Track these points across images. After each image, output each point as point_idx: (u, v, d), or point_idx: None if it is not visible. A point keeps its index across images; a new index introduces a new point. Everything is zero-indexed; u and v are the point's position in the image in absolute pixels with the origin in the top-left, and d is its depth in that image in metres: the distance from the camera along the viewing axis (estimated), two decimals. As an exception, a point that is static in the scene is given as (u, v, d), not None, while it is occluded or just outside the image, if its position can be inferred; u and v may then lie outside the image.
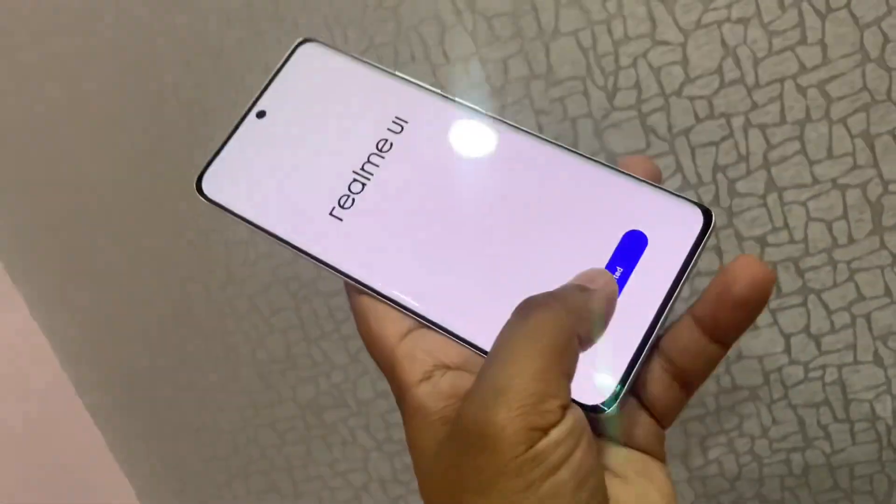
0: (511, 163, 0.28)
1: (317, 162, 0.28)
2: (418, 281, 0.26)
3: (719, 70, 0.39)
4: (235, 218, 0.28)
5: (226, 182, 0.29)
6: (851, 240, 0.40)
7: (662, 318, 0.25)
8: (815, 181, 0.40)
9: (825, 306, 0.42)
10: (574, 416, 0.21)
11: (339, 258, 0.27)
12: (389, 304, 0.26)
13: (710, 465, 0.46)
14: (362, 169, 0.28)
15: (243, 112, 0.29)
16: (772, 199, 0.40)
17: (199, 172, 0.29)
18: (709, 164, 0.40)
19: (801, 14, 0.37)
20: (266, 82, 0.30)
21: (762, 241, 0.41)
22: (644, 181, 0.27)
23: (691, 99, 0.39)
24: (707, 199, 0.41)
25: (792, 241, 0.41)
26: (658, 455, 0.27)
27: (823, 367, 0.43)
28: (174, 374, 0.52)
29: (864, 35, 0.37)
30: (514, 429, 0.20)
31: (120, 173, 0.49)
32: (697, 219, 0.26)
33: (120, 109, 0.47)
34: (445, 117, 0.28)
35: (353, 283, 0.26)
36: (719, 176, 0.40)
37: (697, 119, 0.40)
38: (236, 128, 0.29)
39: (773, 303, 0.42)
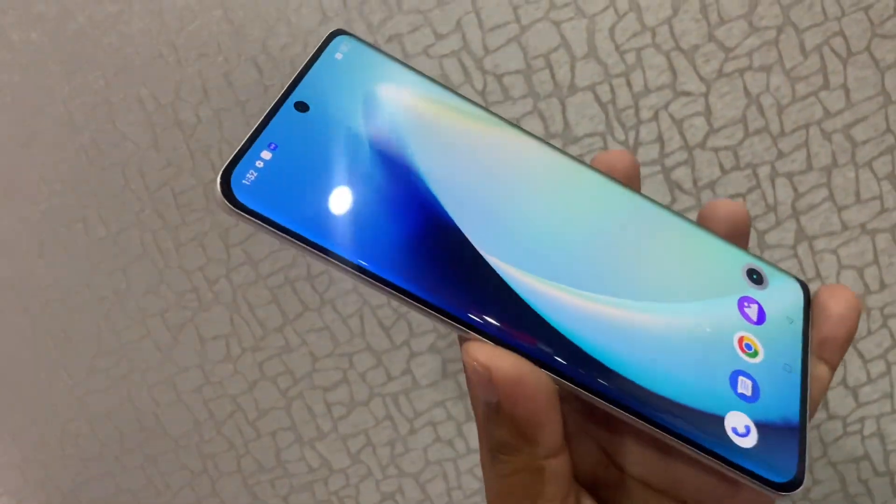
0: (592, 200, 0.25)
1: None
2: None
3: (743, 119, 0.37)
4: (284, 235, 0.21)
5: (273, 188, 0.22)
6: (883, 285, 0.39)
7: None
8: (845, 227, 0.38)
9: (861, 356, 0.40)
10: None
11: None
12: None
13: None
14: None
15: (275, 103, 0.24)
16: (802, 249, 0.39)
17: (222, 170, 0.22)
18: (737, 217, 0.38)
19: (822, 59, 0.36)
20: (298, 73, 0.25)
21: (795, 294, 0.39)
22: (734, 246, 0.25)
23: (716, 150, 0.38)
24: (737, 254, 0.39)
25: (825, 290, 0.39)
26: None
27: (862, 419, 0.41)
28: (139, 499, 0.45)
29: (885, 77, 0.36)
30: None
31: (67, 269, 0.43)
32: (797, 289, 0.25)
33: (70, 196, 0.41)
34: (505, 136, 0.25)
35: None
36: (748, 228, 0.38)
37: (723, 171, 0.38)
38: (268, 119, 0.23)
39: (809, 357, 0.40)
